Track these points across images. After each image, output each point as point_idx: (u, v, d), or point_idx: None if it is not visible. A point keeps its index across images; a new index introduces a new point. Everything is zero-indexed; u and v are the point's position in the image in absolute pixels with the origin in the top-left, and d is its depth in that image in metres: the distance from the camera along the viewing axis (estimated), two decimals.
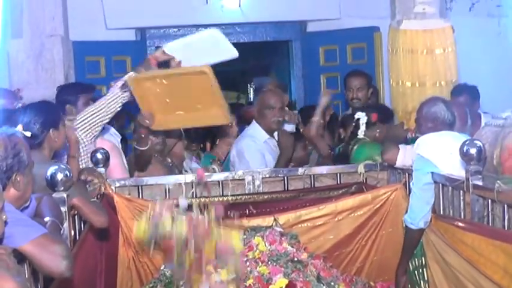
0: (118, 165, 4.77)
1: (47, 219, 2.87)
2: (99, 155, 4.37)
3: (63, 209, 3.34)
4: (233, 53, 4.48)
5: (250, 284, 3.54)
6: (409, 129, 4.97)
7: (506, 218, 3.23)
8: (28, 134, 3.14)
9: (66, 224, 3.32)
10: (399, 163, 4.46)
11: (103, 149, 4.44)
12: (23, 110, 3.87)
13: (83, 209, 3.54)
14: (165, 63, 4.50)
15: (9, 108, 4.44)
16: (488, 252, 3.19)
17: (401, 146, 4.47)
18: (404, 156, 4.40)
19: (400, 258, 4.19)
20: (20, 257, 2.46)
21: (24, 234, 2.46)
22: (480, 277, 3.28)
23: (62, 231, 3.07)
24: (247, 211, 4.62)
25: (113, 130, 5.67)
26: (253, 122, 5.39)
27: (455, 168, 3.73)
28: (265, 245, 3.86)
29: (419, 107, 4.24)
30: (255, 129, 5.33)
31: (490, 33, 8.15)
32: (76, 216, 3.69)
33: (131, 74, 4.43)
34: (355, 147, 5.06)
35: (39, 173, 3.23)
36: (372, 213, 4.50)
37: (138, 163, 4.95)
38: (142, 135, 4.73)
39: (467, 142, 3.52)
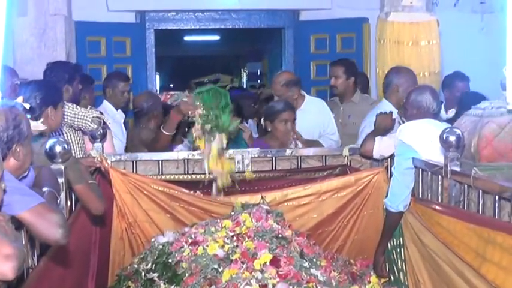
0: (108, 141, 4.76)
1: (44, 189, 2.87)
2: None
3: (61, 180, 3.33)
4: None
5: (236, 259, 3.55)
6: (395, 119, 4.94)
7: (481, 203, 3.24)
8: (27, 106, 3.12)
9: (62, 195, 3.32)
10: (376, 155, 4.47)
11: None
12: (26, 84, 3.84)
13: (84, 197, 3.55)
14: None
15: (9, 84, 4.40)
16: (462, 234, 3.21)
17: (376, 138, 4.47)
18: (379, 147, 4.42)
19: (379, 239, 4.20)
20: (18, 223, 2.45)
21: (23, 202, 2.45)
22: (454, 258, 3.30)
23: (58, 202, 3.06)
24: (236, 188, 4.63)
25: (112, 110, 5.76)
26: (383, 99, 5.22)
27: (434, 155, 3.74)
28: (252, 222, 3.86)
29: (408, 93, 4.24)
30: (386, 106, 5.05)
31: (473, 28, 8.18)
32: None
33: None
34: None
35: (36, 149, 3.22)
36: (354, 195, 4.51)
37: (155, 144, 4.91)
38: (175, 121, 4.62)
39: (447, 130, 3.53)
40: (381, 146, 4.40)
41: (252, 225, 3.83)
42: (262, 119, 5.59)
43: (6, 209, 2.37)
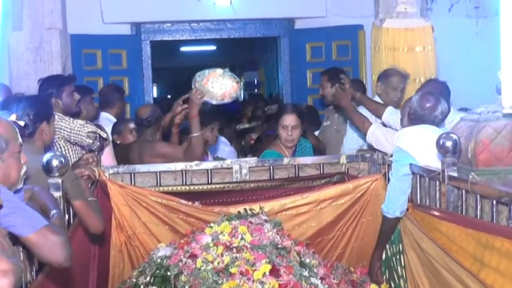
0: (108, 154, 4.76)
1: (53, 211, 2.86)
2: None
3: (58, 194, 3.33)
4: None
5: (235, 272, 3.52)
6: None
7: (478, 208, 3.25)
8: (22, 123, 3.11)
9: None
10: (367, 137, 4.54)
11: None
12: (18, 101, 3.82)
13: (83, 214, 3.51)
14: None
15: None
16: (460, 240, 3.21)
17: (375, 124, 4.58)
18: (372, 133, 4.56)
19: (376, 244, 4.20)
20: (15, 239, 2.45)
21: (29, 224, 2.43)
22: (453, 263, 3.30)
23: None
24: (234, 198, 4.62)
25: (109, 117, 5.77)
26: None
27: (432, 160, 3.75)
28: (251, 236, 3.82)
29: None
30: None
31: (468, 33, 8.19)
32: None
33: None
34: None
35: (33, 164, 3.21)
36: (352, 202, 4.50)
37: (194, 152, 4.85)
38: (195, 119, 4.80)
39: (444, 135, 3.53)
40: (374, 134, 4.43)
41: (250, 239, 3.79)
42: None
43: (11, 230, 2.36)
